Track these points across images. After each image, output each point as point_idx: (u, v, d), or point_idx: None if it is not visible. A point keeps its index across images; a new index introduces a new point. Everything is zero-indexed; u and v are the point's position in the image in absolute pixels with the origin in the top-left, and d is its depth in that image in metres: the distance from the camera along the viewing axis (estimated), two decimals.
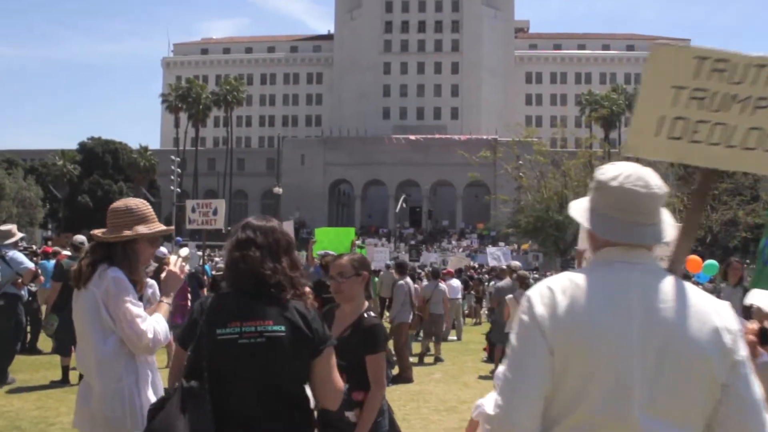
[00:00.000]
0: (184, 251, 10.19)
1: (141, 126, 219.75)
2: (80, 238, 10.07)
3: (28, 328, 12.76)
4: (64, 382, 9.91)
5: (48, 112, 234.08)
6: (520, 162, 47.00)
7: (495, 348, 13.40)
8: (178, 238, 44.69)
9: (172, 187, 50.63)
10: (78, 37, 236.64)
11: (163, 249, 12.84)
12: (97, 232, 3.59)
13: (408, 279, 12.27)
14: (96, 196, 76.23)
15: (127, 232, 3.53)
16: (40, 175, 70.48)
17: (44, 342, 13.56)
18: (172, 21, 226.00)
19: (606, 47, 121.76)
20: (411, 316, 11.90)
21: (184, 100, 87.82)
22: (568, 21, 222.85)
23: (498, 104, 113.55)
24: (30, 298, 11.56)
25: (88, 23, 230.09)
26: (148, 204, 3.76)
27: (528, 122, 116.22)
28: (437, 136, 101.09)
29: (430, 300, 14.01)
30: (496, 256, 29.14)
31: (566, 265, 39.30)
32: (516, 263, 14.56)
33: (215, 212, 12.45)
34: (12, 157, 75.12)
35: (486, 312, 26.94)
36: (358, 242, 15.80)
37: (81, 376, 9.96)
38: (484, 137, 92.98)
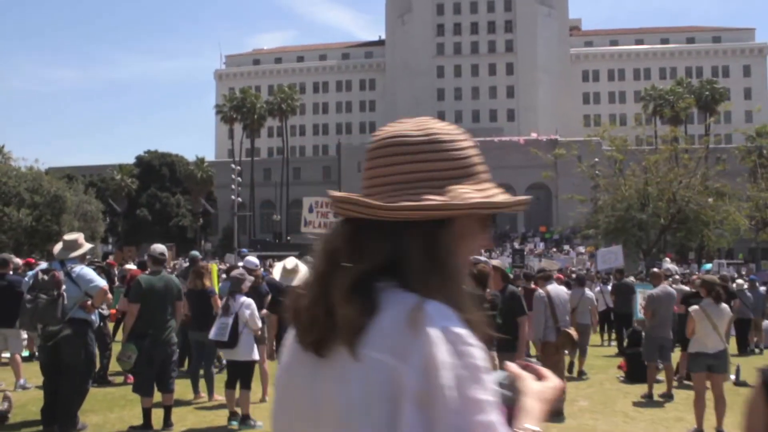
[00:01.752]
0: (291, 262, 8.25)
1: (195, 140, 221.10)
2: (160, 248, 8.17)
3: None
4: (147, 427, 7.97)
5: (105, 131, 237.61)
6: (596, 159, 44.61)
7: (648, 367, 11.20)
8: (243, 249, 43.25)
9: (233, 197, 49.13)
10: (133, 57, 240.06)
11: (252, 258, 10.92)
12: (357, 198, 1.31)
13: (556, 288, 10.05)
14: (154, 209, 75.71)
15: (439, 199, 1.27)
16: (99, 190, 70.06)
17: (113, 367, 11.80)
18: (223, 37, 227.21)
19: (665, 41, 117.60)
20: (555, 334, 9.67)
21: (239, 111, 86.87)
22: (621, 17, 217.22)
23: (555, 104, 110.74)
24: (101, 323, 9.67)
25: (142, 44, 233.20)
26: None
27: (586, 121, 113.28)
28: (495, 138, 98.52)
29: (576, 309, 11.99)
30: (609, 258, 25.54)
31: (651, 266, 36.52)
32: (673, 267, 12.29)
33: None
34: (71, 172, 75.04)
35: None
36: None
37: (166, 420, 8.03)
38: (543, 138, 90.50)
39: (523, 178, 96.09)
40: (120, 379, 11.49)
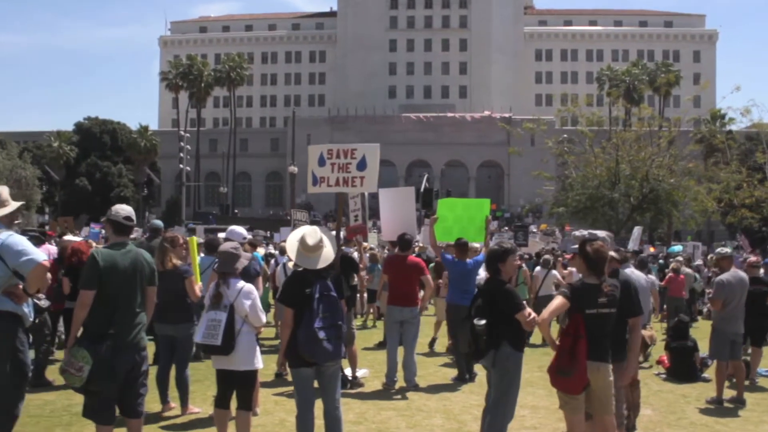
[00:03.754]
0: (313, 234, 5.90)
1: (138, 110, 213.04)
2: (125, 209, 5.68)
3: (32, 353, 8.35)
4: None
5: (44, 98, 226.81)
6: (565, 136, 43.34)
7: (719, 366, 9.28)
8: (190, 223, 40.60)
9: (181, 165, 46.03)
10: (74, 23, 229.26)
11: (239, 229, 8.54)
12: None
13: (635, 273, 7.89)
14: (94, 179, 71.80)
15: None
16: (35, 157, 65.82)
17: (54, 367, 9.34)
18: (167, 6, 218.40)
19: (618, 23, 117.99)
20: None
21: (185, 78, 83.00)
22: None
23: (507, 82, 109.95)
24: (35, 320, 7.05)
25: (84, 10, 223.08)
26: None
27: (538, 101, 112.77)
28: (449, 114, 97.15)
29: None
30: (635, 237, 24.29)
31: (619, 246, 35.29)
32: (726, 250, 10.38)
33: (361, 165, 7.71)
34: (4, 138, 70.43)
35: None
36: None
37: None
38: (497, 115, 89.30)
39: (474, 156, 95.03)
40: (62, 379, 9.03)
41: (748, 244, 41.39)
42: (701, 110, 74.77)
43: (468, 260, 10.08)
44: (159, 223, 10.53)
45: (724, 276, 9.36)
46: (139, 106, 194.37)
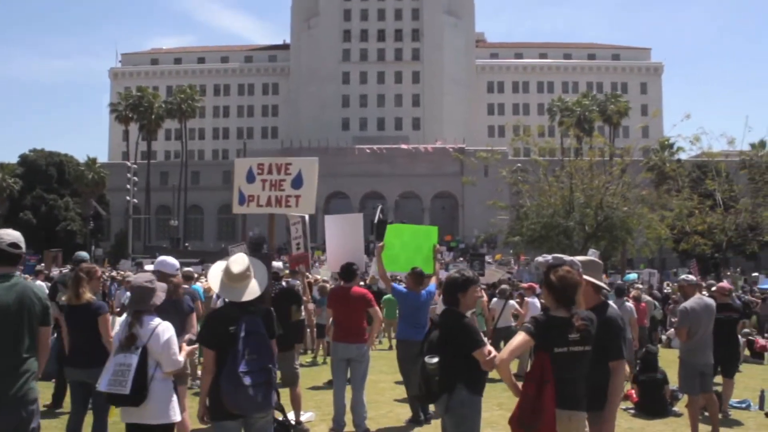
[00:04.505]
0: (239, 262, 5.07)
1: (87, 143, 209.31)
2: (10, 235, 4.78)
3: None
4: None
5: None
6: (518, 165, 43.27)
7: (691, 401, 8.60)
8: (137, 257, 39.22)
9: (127, 198, 44.62)
10: (22, 53, 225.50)
11: (170, 259, 7.63)
12: None
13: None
14: (39, 212, 69.60)
15: None
16: None
17: None
18: (119, 39, 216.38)
19: (568, 56, 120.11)
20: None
21: (135, 110, 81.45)
22: (523, 32, 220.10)
23: (460, 114, 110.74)
24: None
25: (33, 40, 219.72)
26: None
27: (490, 132, 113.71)
28: (402, 146, 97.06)
29: None
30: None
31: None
32: (691, 277, 9.84)
33: (297, 182, 6.78)
34: None
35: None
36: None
37: None
38: (451, 147, 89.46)
39: (428, 187, 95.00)
40: None
41: (697, 271, 41.50)
42: (650, 140, 75.90)
43: (422, 291, 9.33)
44: (84, 254, 9.61)
45: (687, 303, 8.76)
46: (89, 138, 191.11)
